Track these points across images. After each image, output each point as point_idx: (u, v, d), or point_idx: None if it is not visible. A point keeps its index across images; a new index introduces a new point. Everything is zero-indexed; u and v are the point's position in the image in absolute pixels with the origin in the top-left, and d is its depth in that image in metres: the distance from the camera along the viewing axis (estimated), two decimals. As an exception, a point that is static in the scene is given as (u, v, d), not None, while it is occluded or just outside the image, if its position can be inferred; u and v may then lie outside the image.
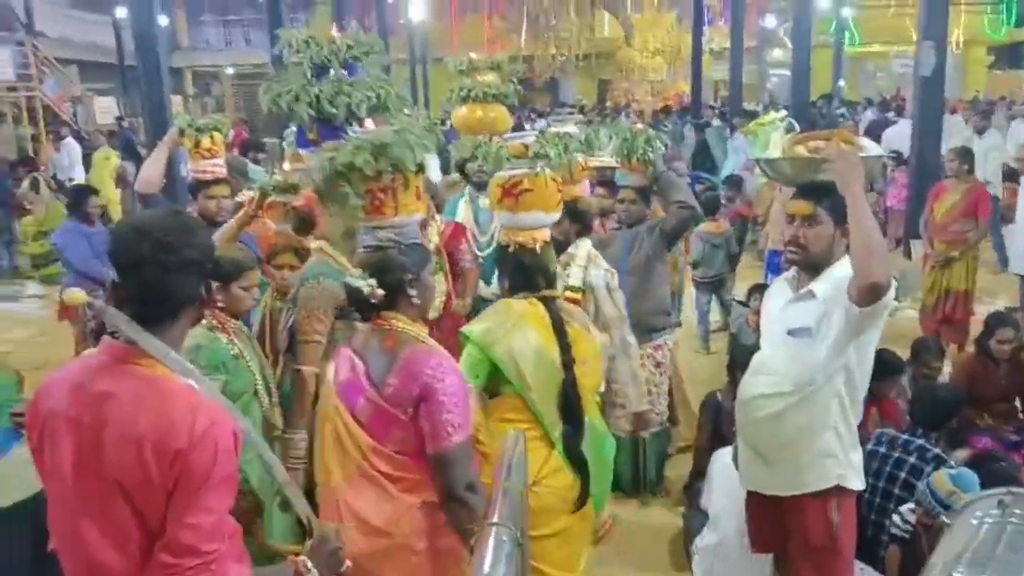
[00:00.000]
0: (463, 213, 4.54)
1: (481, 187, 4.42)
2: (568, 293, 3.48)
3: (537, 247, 2.68)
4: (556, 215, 2.80)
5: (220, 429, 1.52)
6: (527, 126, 12.14)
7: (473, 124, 5.02)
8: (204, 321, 2.50)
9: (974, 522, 2.38)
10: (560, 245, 3.49)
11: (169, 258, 1.55)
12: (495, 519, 1.60)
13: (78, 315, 5.21)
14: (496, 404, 2.61)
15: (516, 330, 2.56)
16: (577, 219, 3.70)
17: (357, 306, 2.20)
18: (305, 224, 3.19)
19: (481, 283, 4.31)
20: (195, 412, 1.51)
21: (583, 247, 3.70)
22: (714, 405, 4.08)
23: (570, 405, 2.60)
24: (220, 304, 2.73)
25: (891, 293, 2.30)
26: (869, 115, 15.41)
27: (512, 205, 2.67)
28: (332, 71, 3.15)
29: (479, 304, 4.32)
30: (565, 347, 2.60)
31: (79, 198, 5.66)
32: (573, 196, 3.60)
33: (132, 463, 1.49)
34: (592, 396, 2.77)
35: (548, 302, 2.67)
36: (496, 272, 4.33)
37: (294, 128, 5.11)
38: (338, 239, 2.97)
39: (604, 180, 4.77)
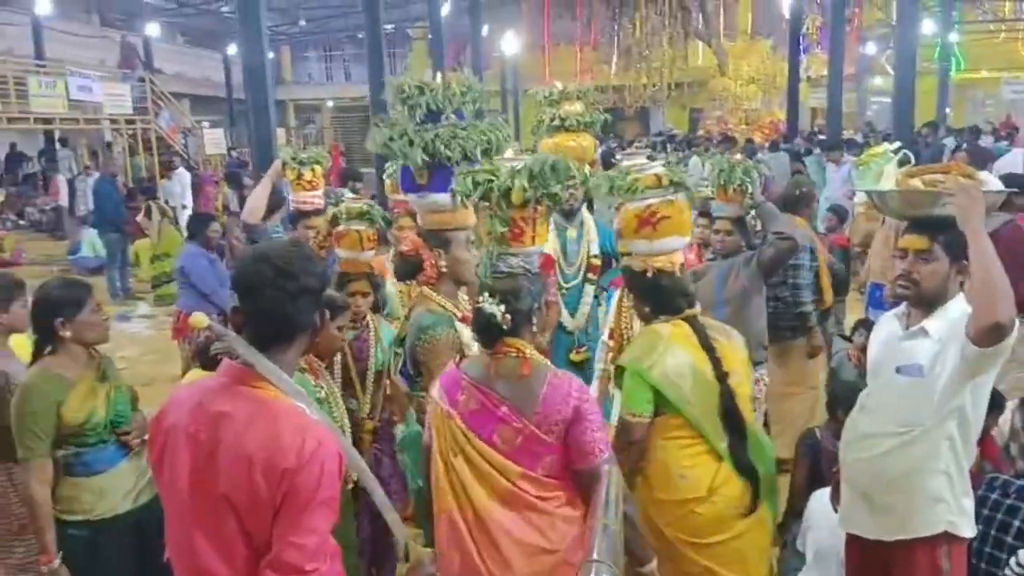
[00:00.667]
0: (550, 243, 4.55)
1: (569, 215, 4.41)
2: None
3: (676, 270, 2.80)
4: (688, 238, 2.94)
5: (326, 451, 1.57)
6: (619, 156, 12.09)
7: (560, 153, 5.00)
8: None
9: None
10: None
11: (288, 284, 1.63)
12: (594, 556, 1.58)
13: (191, 336, 5.46)
14: (660, 424, 2.65)
15: (667, 352, 2.63)
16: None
17: (483, 332, 2.24)
18: (411, 268, 3.19)
19: (565, 313, 4.31)
20: (304, 434, 1.57)
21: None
22: (812, 443, 3.93)
23: (731, 416, 2.65)
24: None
25: (1014, 335, 2.18)
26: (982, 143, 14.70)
27: (650, 233, 2.78)
28: (444, 116, 3.20)
29: (563, 337, 4.32)
30: (716, 361, 2.67)
31: (200, 224, 5.96)
32: None
33: (242, 480, 1.56)
34: (748, 404, 2.80)
35: (691, 321, 2.74)
36: (577, 304, 4.36)
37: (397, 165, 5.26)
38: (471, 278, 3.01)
39: (702, 211, 4.71)
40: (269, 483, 1.54)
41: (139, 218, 9.79)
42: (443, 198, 3.09)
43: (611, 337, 3.51)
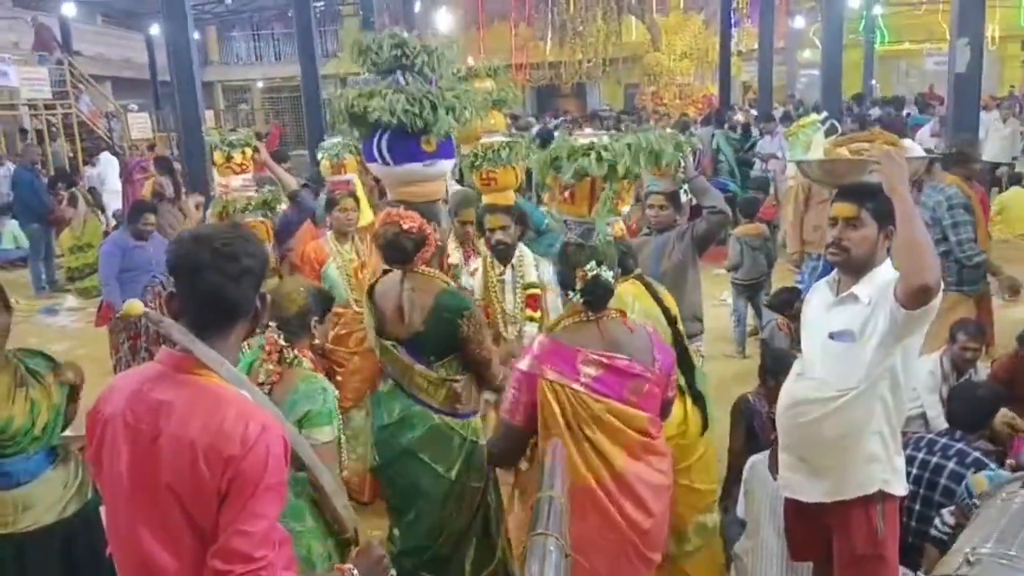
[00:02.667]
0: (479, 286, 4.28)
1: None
2: (529, 291, 3.85)
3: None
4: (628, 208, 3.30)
5: (271, 436, 1.55)
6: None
7: (467, 134, 4.59)
8: (307, 364, 2.50)
9: (1000, 503, 2.47)
10: (508, 248, 3.88)
11: (228, 266, 1.59)
12: (540, 529, 1.59)
13: (112, 324, 5.30)
14: None
15: (636, 305, 3.00)
16: (522, 222, 4.00)
17: (599, 299, 2.47)
18: (414, 246, 2.97)
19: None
20: (247, 420, 1.54)
21: (524, 249, 4.03)
22: (746, 408, 4.03)
23: (684, 355, 2.94)
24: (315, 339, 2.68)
25: (939, 296, 2.26)
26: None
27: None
28: (433, 79, 3.12)
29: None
30: (665, 310, 3.06)
31: (134, 214, 5.68)
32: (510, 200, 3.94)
33: (185, 469, 1.53)
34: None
35: (640, 278, 3.17)
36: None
37: (336, 140, 5.14)
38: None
39: None
40: (213, 471, 1.51)
41: (62, 206, 9.42)
42: (448, 165, 3.05)
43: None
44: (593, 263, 2.42)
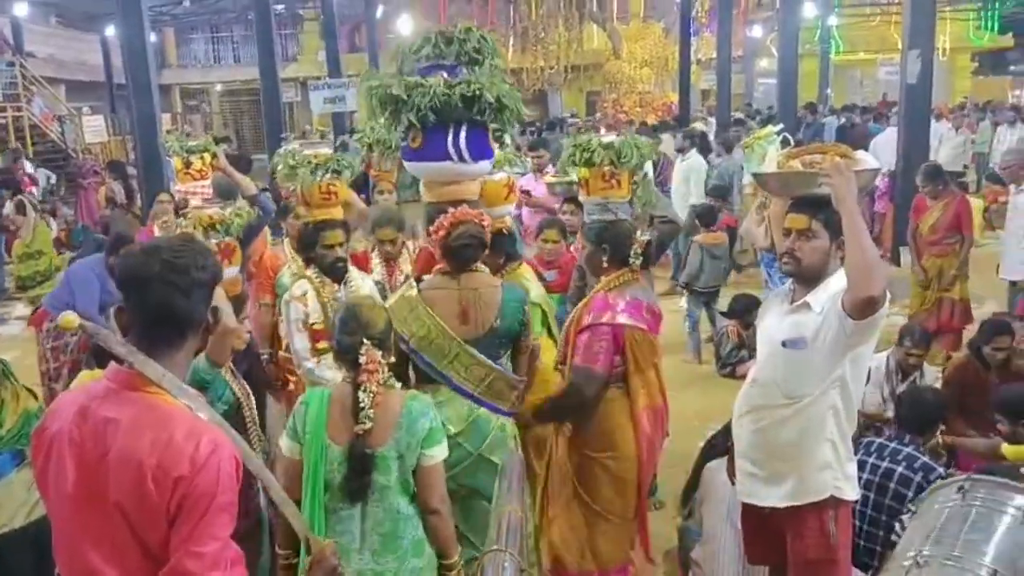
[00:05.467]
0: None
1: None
2: None
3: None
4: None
5: (222, 454, 1.52)
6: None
7: None
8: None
9: (937, 507, 2.53)
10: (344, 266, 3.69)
11: (179, 278, 1.55)
12: (497, 546, 1.59)
13: (43, 331, 5.04)
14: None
15: (533, 285, 3.58)
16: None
17: (648, 257, 3.14)
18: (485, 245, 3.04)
19: None
20: (197, 438, 1.51)
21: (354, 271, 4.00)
22: (711, 451, 4.04)
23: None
24: None
25: (885, 307, 2.31)
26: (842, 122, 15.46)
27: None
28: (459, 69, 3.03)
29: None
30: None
31: (117, 245, 5.06)
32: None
33: (133, 489, 1.49)
34: None
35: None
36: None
37: (292, 146, 5.07)
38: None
39: (570, 197, 4.71)
40: (162, 491, 1.48)
41: (7, 212, 9.14)
42: (487, 165, 3.02)
43: None
44: (646, 226, 3.15)
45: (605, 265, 3.11)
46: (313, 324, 3.53)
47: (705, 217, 6.99)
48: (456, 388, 2.93)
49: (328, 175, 3.73)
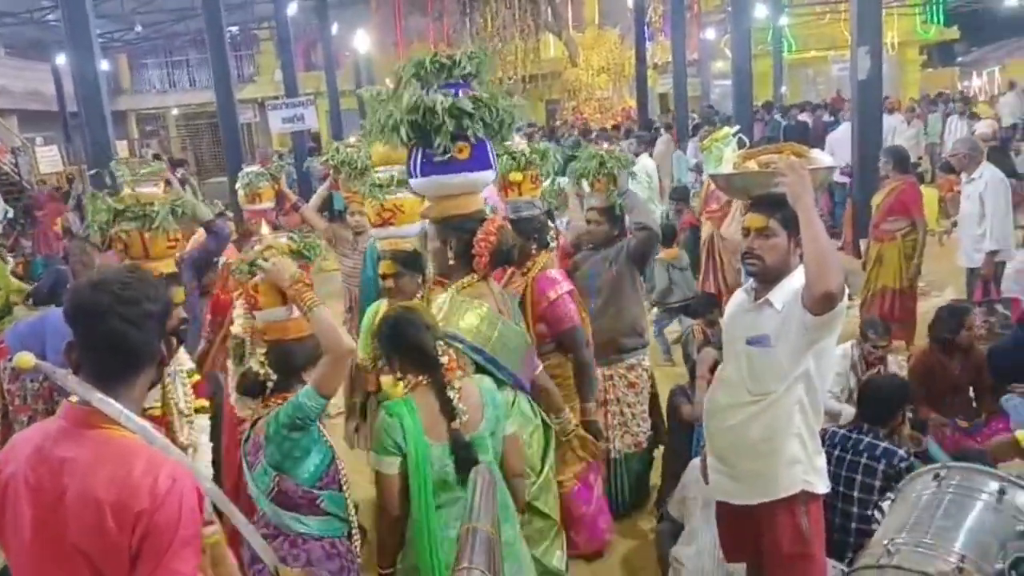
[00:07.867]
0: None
1: None
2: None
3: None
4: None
5: (183, 487, 1.49)
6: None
7: (392, 155, 4.13)
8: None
9: (914, 495, 2.58)
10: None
11: (130, 310, 1.51)
12: (465, 563, 1.57)
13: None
14: None
15: None
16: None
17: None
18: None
19: None
20: (156, 472, 1.47)
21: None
22: (676, 398, 4.09)
23: None
24: None
25: (844, 302, 2.34)
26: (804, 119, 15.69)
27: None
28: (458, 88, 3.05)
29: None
30: None
31: (58, 287, 4.79)
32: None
33: (93, 528, 1.46)
34: None
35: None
36: None
37: (253, 168, 5.04)
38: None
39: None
40: (122, 528, 1.44)
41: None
42: (491, 175, 3.02)
43: None
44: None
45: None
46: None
47: (664, 235, 7.00)
48: (518, 383, 3.01)
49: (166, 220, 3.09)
